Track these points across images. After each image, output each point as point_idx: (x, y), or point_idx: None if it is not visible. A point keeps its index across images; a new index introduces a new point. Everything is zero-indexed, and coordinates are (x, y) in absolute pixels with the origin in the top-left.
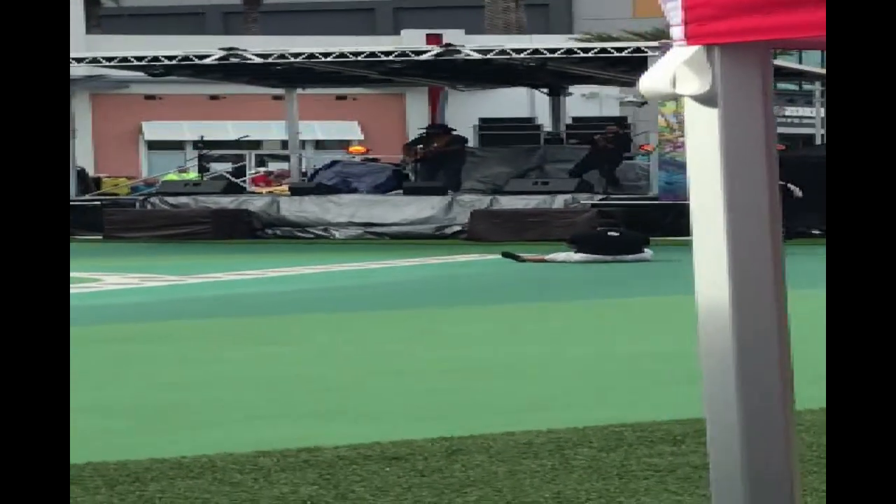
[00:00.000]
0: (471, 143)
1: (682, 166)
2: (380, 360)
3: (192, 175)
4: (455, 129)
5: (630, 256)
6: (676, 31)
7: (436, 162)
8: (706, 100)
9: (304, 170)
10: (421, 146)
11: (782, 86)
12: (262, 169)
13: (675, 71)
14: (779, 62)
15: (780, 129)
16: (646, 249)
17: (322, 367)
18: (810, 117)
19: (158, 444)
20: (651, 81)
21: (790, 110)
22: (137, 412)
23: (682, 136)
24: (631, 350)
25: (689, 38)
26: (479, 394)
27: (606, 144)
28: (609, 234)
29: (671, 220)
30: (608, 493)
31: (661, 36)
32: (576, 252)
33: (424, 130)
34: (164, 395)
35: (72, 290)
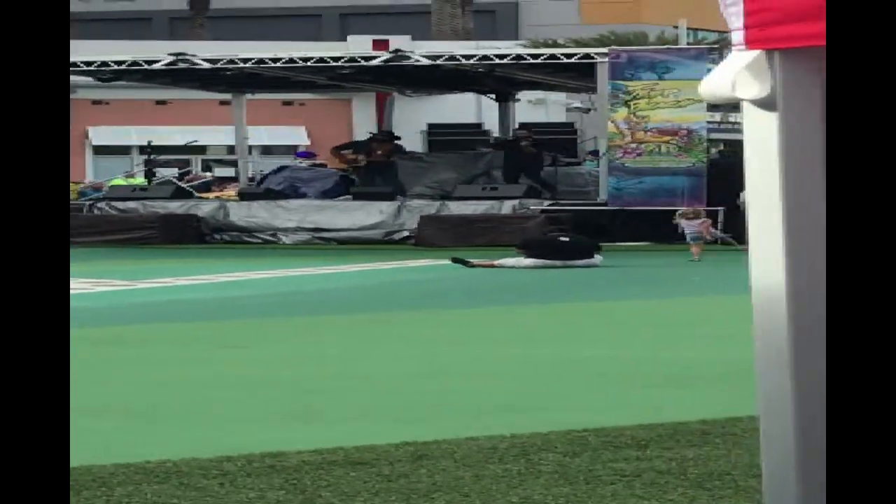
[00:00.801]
0: (419, 149)
1: (630, 172)
2: (339, 365)
3: (139, 180)
4: (400, 137)
5: (580, 262)
6: (737, 36)
7: (374, 169)
8: (765, 104)
9: (250, 175)
10: (351, 151)
11: None
12: (208, 174)
13: (735, 75)
14: None
15: None
16: (595, 255)
17: (282, 371)
18: None
19: (122, 449)
20: (711, 85)
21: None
22: (98, 416)
23: (633, 142)
24: (588, 354)
25: (750, 43)
26: (440, 398)
27: (530, 149)
28: (560, 239)
29: (619, 225)
30: (576, 497)
31: (608, 42)
32: (526, 257)
33: (371, 135)
34: (123, 400)
35: None
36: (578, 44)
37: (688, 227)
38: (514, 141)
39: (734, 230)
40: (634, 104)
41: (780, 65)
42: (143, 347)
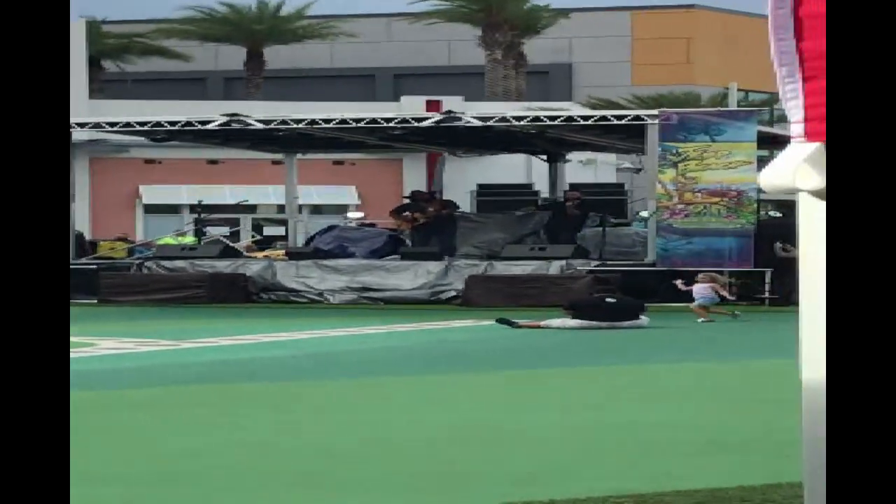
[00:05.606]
0: (468, 209)
1: (678, 233)
2: (376, 428)
3: (189, 239)
4: (436, 193)
5: (626, 323)
6: (797, 128)
7: (431, 227)
8: (825, 195)
9: (300, 234)
10: (409, 213)
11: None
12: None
13: (796, 167)
14: (781, 131)
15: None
16: (642, 316)
17: (321, 434)
18: None
19: None
20: (772, 176)
21: None
22: (147, 480)
23: (680, 203)
24: (628, 419)
25: (809, 136)
26: (478, 463)
27: (574, 210)
28: (606, 300)
29: (668, 286)
30: None
31: (659, 104)
32: (572, 318)
33: (409, 197)
34: (171, 463)
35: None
36: (637, 99)
37: (696, 289)
38: (561, 203)
39: (781, 291)
40: (684, 165)
41: None
42: (189, 410)
